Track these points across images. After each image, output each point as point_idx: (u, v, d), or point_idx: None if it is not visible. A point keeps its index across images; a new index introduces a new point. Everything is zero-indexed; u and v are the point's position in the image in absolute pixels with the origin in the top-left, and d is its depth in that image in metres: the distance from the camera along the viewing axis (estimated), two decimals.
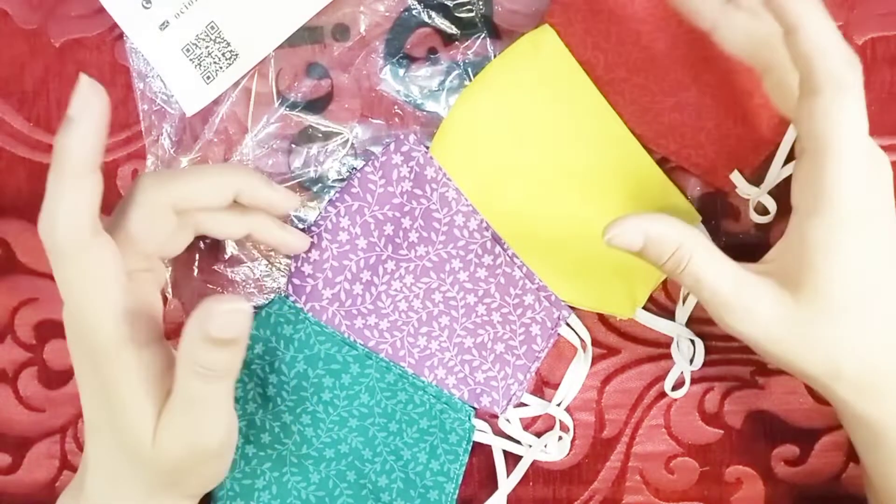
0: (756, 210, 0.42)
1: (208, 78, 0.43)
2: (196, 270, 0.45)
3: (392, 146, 0.43)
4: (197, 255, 0.44)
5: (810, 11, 0.33)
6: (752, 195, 0.42)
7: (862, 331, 0.35)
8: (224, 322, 0.30)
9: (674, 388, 0.44)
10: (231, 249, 0.45)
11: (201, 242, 0.44)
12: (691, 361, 0.44)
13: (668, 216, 0.36)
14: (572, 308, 0.44)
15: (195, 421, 0.34)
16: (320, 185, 0.44)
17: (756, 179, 0.42)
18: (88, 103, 0.33)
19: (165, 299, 0.45)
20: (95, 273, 0.32)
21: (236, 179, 0.37)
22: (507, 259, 0.43)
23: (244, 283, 0.44)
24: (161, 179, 0.36)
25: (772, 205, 0.42)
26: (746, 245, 0.43)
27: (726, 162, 0.42)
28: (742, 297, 0.35)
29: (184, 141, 0.44)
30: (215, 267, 0.44)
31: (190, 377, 0.32)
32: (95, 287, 0.32)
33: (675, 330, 0.43)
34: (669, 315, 0.44)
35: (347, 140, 0.44)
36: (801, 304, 0.34)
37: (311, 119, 0.44)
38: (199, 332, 0.31)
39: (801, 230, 0.34)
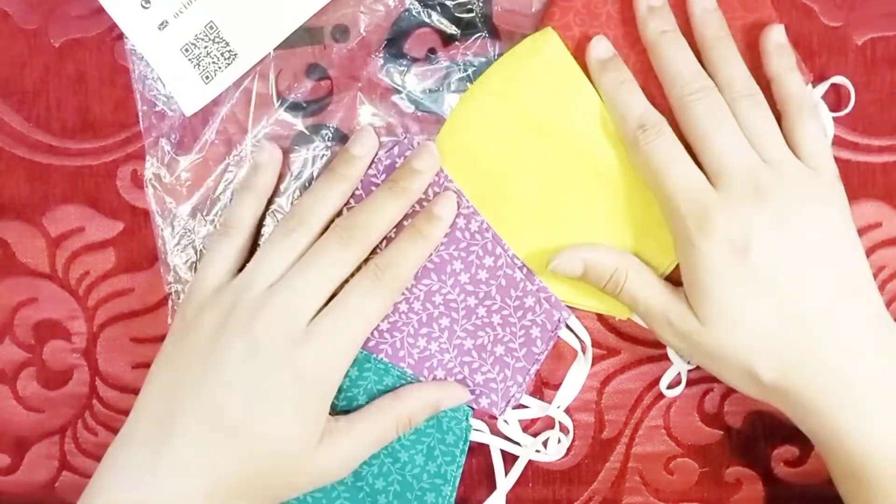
0: None
1: (207, 78, 0.43)
2: (193, 275, 0.44)
3: (395, 149, 0.43)
4: (197, 262, 0.44)
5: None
6: None
7: (761, 338, 0.37)
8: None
9: (670, 388, 0.44)
10: None
11: (195, 252, 0.44)
12: (689, 362, 0.44)
13: (605, 246, 0.41)
14: (571, 308, 0.44)
15: (360, 454, 0.41)
16: None
17: None
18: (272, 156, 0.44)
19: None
20: None
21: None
22: (508, 260, 0.43)
23: None
24: None
25: None
26: None
27: None
28: (667, 313, 0.39)
29: (184, 142, 0.44)
30: None
31: (393, 425, 0.41)
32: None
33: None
34: None
35: (347, 139, 0.44)
36: (705, 321, 0.38)
37: (311, 116, 0.44)
38: (433, 404, 0.42)
39: (680, 258, 0.39)
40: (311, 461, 0.39)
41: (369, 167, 0.43)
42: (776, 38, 0.40)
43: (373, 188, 0.42)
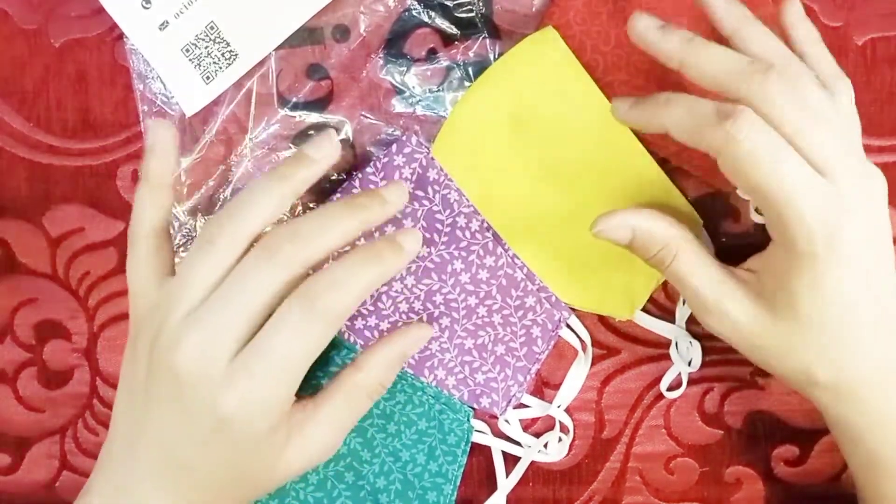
0: (756, 210, 0.42)
1: (208, 78, 0.43)
2: None
3: (394, 147, 0.43)
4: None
5: None
6: None
7: (838, 344, 0.35)
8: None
9: (671, 389, 0.44)
10: None
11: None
12: (690, 363, 0.44)
13: (658, 213, 0.37)
14: (572, 309, 0.44)
15: (337, 437, 0.38)
16: (320, 185, 0.44)
17: None
18: (158, 135, 0.36)
19: None
20: None
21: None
22: (509, 260, 0.43)
23: None
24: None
25: None
26: (746, 246, 0.43)
27: None
28: (721, 301, 0.36)
29: (184, 141, 0.44)
30: None
31: (365, 398, 0.38)
32: None
33: (673, 332, 0.43)
34: (669, 315, 0.44)
35: (346, 139, 0.44)
36: (777, 319, 0.35)
37: (312, 116, 0.44)
38: (398, 358, 0.38)
39: (775, 256, 0.36)
40: (280, 463, 0.36)
41: (367, 166, 0.43)
42: (797, 11, 0.37)
43: (371, 186, 0.42)
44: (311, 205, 0.44)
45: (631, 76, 0.42)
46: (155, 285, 0.36)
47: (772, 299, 0.35)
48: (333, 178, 0.44)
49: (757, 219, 0.43)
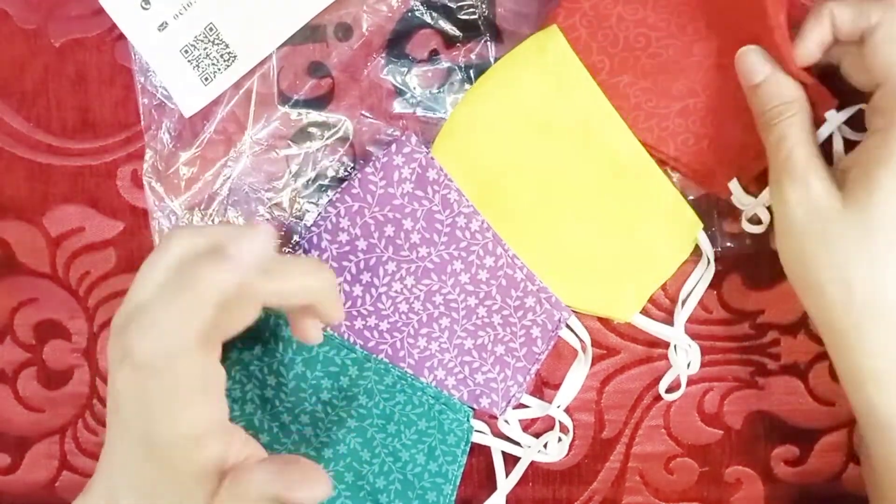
0: (749, 220, 0.42)
1: (206, 79, 0.43)
2: None
3: (394, 147, 0.43)
4: None
5: None
6: (748, 205, 0.41)
7: (888, 253, 0.35)
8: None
9: (669, 391, 0.44)
10: None
11: None
12: (688, 366, 0.44)
13: (786, 75, 0.38)
14: (572, 309, 0.44)
15: None
16: (319, 184, 0.44)
17: (752, 188, 0.42)
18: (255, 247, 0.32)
19: None
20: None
21: (318, 293, 0.34)
22: (509, 260, 0.43)
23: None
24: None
25: (765, 216, 0.41)
26: (745, 247, 0.43)
27: (726, 169, 0.42)
28: (808, 173, 0.36)
29: (183, 136, 0.44)
30: None
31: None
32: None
33: (671, 335, 0.43)
34: (669, 315, 0.44)
35: (346, 138, 0.44)
36: (850, 205, 0.35)
37: (312, 114, 0.44)
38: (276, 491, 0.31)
39: (867, 147, 0.37)
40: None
41: (367, 165, 0.43)
42: None
43: (370, 186, 0.42)
44: (309, 203, 0.44)
45: (638, 78, 0.41)
46: None
47: (853, 188, 0.36)
48: (332, 176, 0.44)
49: (749, 228, 0.42)
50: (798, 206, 0.37)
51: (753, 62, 0.38)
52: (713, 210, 0.43)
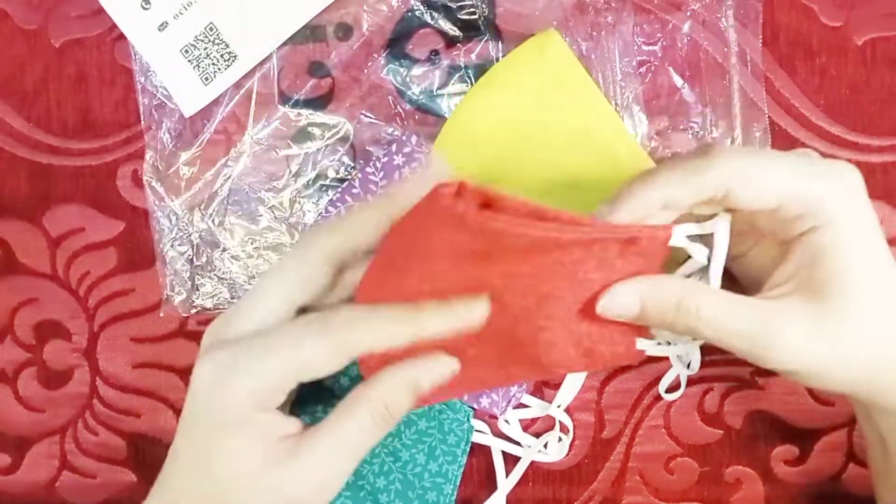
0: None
1: (206, 79, 0.43)
2: (189, 269, 0.45)
3: (394, 147, 0.43)
4: (193, 256, 0.44)
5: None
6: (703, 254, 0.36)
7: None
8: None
9: (669, 391, 0.44)
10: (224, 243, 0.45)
11: (192, 246, 0.44)
12: (689, 366, 0.44)
13: (663, 277, 0.33)
14: None
15: (342, 458, 0.34)
16: (319, 184, 0.44)
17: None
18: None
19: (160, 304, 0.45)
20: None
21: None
22: None
23: (242, 284, 0.44)
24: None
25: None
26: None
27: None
28: (769, 324, 0.32)
29: (184, 136, 0.44)
30: (216, 261, 0.44)
31: (366, 413, 0.33)
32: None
33: (671, 336, 0.43)
34: None
35: (346, 138, 0.44)
36: (836, 308, 0.32)
37: (312, 114, 0.44)
38: (410, 383, 0.33)
39: (813, 246, 0.33)
40: (269, 487, 0.33)
41: (367, 165, 0.43)
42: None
43: (371, 186, 0.42)
44: (309, 203, 0.44)
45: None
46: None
47: (822, 291, 0.32)
48: (333, 176, 0.44)
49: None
50: (795, 357, 0.32)
51: (619, 305, 0.33)
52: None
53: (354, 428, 0.33)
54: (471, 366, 0.34)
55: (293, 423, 0.34)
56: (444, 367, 0.34)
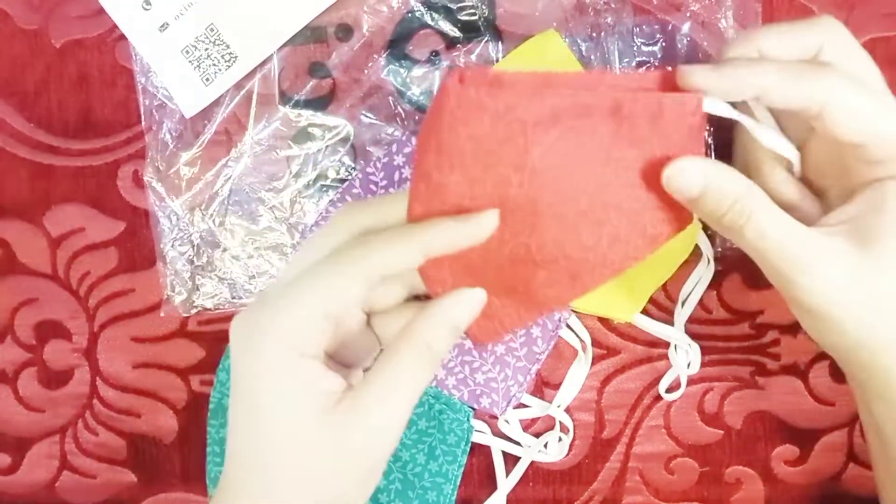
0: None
1: (207, 80, 0.43)
2: (189, 269, 0.45)
3: (394, 147, 0.43)
4: (193, 256, 0.45)
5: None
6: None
7: None
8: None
9: (669, 391, 0.44)
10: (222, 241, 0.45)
11: (192, 246, 0.44)
12: (688, 366, 0.44)
13: (728, 167, 0.32)
14: (572, 309, 0.44)
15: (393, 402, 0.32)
16: (319, 184, 0.44)
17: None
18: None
19: (161, 303, 0.45)
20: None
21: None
22: None
23: (243, 285, 0.44)
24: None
25: None
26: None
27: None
28: (814, 252, 0.31)
29: (184, 136, 0.44)
30: (216, 262, 0.45)
31: (410, 359, 0.32)
32: None
33: (672, 335, 0.43)
34: (669, 315, 0.44)
35: (346, 138, 0.44)
36: (877, 255, 0.32)
37: (312, 115, 0.44)
38: (450, 320, 0.32)
39: (883, 195, 0.32)
40: (322, 440, 0.31)
41: (368, 165, 0.43)
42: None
43: (371, 186, 0.43)
44: (310, 203, 0.44)
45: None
46: None
47: (868, 236, 0.32)
48: (333, 176, 0.44)
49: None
50: (825, 290, 0.32)
51: (684, 181, 0.32)
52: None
53: (404, 373, 0.32)
54: (501, 296, 0.34)
55: (337, 379, 0.32)
56: (472, 298, 0.33)
